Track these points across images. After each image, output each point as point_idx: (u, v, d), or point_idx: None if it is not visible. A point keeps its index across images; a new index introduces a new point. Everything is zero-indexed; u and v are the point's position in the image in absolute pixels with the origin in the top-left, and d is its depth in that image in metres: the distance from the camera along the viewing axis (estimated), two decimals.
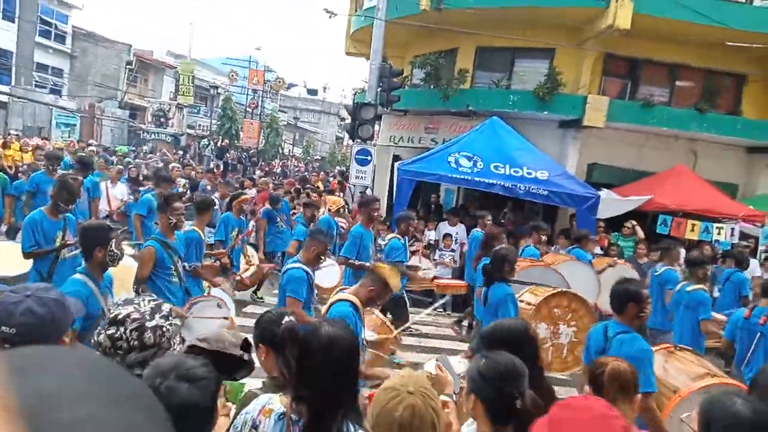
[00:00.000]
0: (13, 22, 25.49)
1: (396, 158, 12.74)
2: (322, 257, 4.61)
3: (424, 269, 8.02)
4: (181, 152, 28.16)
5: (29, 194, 7.32)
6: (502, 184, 8.87)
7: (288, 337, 2.41)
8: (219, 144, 31.13)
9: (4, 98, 23.91)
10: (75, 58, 30.51)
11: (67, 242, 4.77)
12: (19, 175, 9.59)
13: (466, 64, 12.41)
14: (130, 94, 31.89)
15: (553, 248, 8.53)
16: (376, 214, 6.58)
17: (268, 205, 9.23)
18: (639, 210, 9.92)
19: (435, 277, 8.52)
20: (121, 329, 1.83)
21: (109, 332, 1.82)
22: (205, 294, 5.20)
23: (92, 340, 1.90)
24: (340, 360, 1.89)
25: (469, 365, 2.15)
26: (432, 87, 12.17)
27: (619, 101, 11.28)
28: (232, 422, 2.16)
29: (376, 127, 12.98)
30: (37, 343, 1.54)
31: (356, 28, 14.79)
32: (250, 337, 2.45)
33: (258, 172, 27.35)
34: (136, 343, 1.84)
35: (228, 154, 30.04)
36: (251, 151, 33.54)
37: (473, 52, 12.52)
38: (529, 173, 9.13)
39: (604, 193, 9.83)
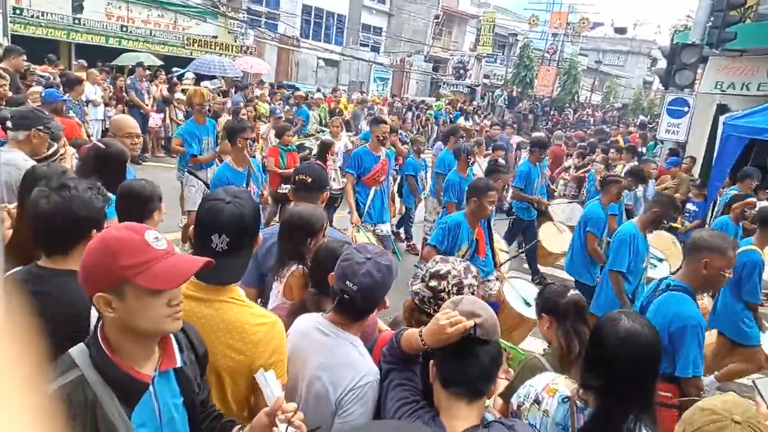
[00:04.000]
0: None
1: (722, 109, 10.55)
2: None
3: None
4: (475, 103, 29.10)
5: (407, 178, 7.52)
6: None
7: (573, 310, 2.42)
8: (512, 94, 31.03)
9: (336, 57, 28.37)
10: (392, 17, 33.97)
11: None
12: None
13: None
14: (435, 47, 34.10)
15: None
16: None
17: None
18: None
19: None
20: (443, 283, 2.00)
21: (431, 284, 2.01)
22: None
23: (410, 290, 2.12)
24: (632, 358, 1.74)
25: None
26: None
27: None
28: (512, 387, 2.20)
29: (699, 71, 10.94)
30: (366, 302, 1.78)
31: None
32: None
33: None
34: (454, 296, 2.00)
35: (520, 104, 29.79)
36: (545, 100, 32.57)
37: None
38: None
39: None
